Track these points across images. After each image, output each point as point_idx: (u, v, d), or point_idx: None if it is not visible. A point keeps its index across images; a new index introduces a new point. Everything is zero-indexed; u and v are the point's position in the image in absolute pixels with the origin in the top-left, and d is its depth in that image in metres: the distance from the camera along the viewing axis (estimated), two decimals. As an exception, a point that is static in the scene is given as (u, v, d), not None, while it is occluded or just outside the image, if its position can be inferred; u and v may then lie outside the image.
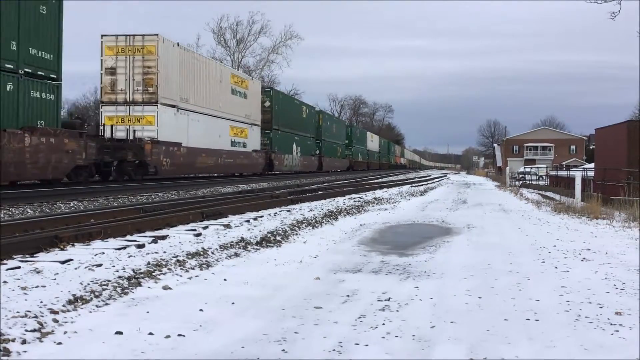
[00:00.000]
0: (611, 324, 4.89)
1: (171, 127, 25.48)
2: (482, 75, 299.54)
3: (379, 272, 7.14)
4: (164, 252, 7.42)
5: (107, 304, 5.21)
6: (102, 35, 24.75)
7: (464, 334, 4.53)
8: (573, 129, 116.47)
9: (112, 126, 23.20)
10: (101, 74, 24.67)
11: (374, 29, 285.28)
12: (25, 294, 5.10)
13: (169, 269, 6.67)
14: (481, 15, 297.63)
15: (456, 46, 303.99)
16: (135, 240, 8.37)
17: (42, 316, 4.56)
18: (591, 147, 74.51)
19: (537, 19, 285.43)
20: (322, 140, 54.37)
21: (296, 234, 10.26)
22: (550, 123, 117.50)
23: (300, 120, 47.30)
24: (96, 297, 5.30)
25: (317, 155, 52.29)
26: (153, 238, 8.57)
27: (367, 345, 4.26)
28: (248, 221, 11.31)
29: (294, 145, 45.11)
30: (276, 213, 13.08)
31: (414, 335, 4.49)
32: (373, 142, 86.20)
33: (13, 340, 4.00)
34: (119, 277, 5.95)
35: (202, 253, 7.61)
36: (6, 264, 6.45)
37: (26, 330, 4.20)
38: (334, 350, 4.13)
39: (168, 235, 9.02)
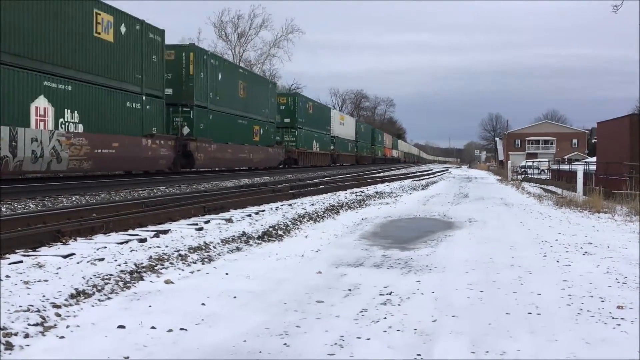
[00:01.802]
0: (613, 318, 4.89)
1: None
2: (485, 69, 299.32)
3: (380, 266, 7.15)
4: (166, 246, 7.43)
5: (109, 298, 5.22)
6: None
7: (465, 328, 4.54)
8: (575, 123, 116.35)
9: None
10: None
11: (377, 24, 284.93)
12: (28, 288, 5.11)
13: (171, 263, 6.68)
14: (484, 10, 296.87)
15: (459, 41, 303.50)
16: (137, 235, 8.38)
17: (45, 310, 4.57)
18: (593, 141, 74.42)
19: (540, 14, 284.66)
20: (195, 108, 25.74)
21: (298, 228, 10.27)
22: (552, 117, 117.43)
23: (92, 46, 18.37)
24: (98, 291, 5.32)
25: (179, 138, 24.44)
26: (155, 232, 8.58)
27: (368, 339, 4.27)
28: (250, 215, 11.31)
29: (43, 100, 16.12)
30: (278, 207, 13.08)
31: (415, 329, 4.49)
32: (344, 125, 61.63)
33: (16, 334, 4.02)
34: (121, 271, 5.96)
35: (204, 247, 7.61)
36: (8, 258, 6.47)
37: (29, 324, 4.21)
38: (335, 344, 4.14)
39: (170, 229, 9.03)
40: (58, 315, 4.55)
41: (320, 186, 21.20)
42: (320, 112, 51.88)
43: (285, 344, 4.13)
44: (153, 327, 4.40)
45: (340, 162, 58.48)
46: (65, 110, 17.08)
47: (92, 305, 4.96)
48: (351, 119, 70.54)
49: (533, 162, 66.84)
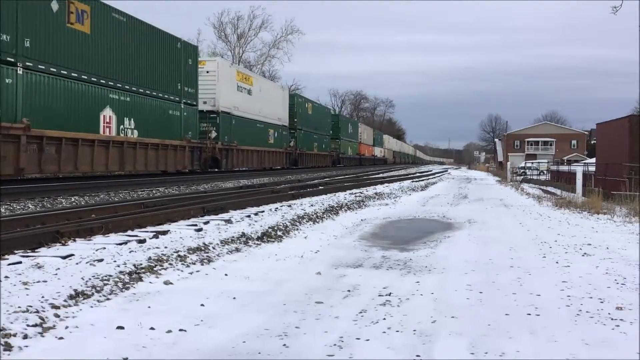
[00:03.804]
0: (612, 319, 4.89)
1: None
2: (485, 69, 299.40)
3: (380, 267, 7.14)
4: (165, 247, 7.42)
5: (108, 299, 5.22)
6: None
7: (465, 329, 4.53)
8: (574, 124, 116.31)
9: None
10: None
11: (377, 24, 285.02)
12: (27, 289, 5.11)
13: (170, 264, 6.68)
14: (485, 11, 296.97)
15: (459, 41, 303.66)
16: (136, 236, 8.38)
17: (44, 311, 4.56)
18: (592, 142, 74.46)
19: (540, 14, 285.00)
20: None
21: (297, 229, 10.26)
22: (552, 118, 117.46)
23: None
24: (97, 292, 5.31)
25: None
26: (154, 233, 8.57)
27: (368, 340, 4.26)
28: (249, 216, 11.31)
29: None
30: (277, 208, 13.08)
31: (415, 330, 4.49)
32: (259, 98, 34.53)
33: (15, 335, 4.01)
34: (120, 272, 5.96)
35: (203, 248, 7.61)
36: (7, 259, 6.46)
37: (28, 325, 4.20)
38: (335, 345, 4.14)
39: (169, 230, 9.02)
40: (57, 316, 4.55)
41: (320, 187, 21.22)
42: (159, 51, 22.77)
43: (284, 344, 4.13)
44: (152, 328, 4.39)
45: (245, 164, 32.29)
46: None
47: (91, 306, 4.96)
48: (280, 91, 40.31)
49: (532, 163, 66.88)
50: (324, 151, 52.14)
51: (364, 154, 72.41)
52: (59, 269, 5.94)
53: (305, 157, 45.29)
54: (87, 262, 6.26)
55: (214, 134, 27.73)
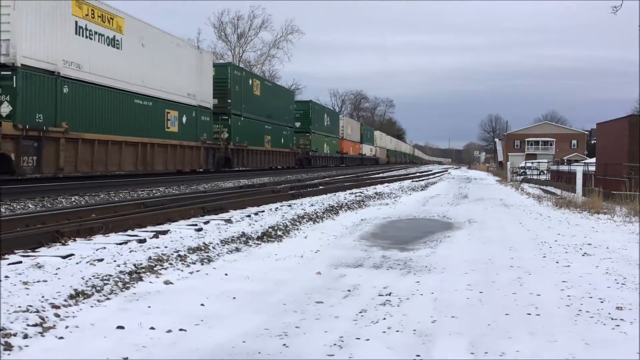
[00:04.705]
0: (612, 319, 4.89)
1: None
2: (485, 69, 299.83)
3: (380, 266, 7.14)
4: (165, 246, 7.42)
5: (108, 299, 5.22)
6: None
7: (464, 329, 4.53)
8: (574, 124, 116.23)
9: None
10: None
11: (378, 25, 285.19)
12: (27, 288, 5.11)
13: (170, 263, 6.68)
14: (485, 11, 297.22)
15: (460, 41, 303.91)
16: (136, 235, 8.38)
17: (44, 311, 4.56)
18: (592, 142, 74.41)
19: (540, 14, 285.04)
20: None
21: (297, 229, 10.26)
22: (552, 118, 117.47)
23: None
24: (97, 291, 5.31)
25: None
26: (154, 233, 8.57)
27: (368, 339, 4.26)
28: (249, 216, 11.31)
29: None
30: (277, 208, 13.08)
31: (414, 330, 4.49)
32: (165, 69, 22.76)
33: (15, 335, 4.01)
34: (121, 271, 5.96)
35: (203, 248, 7.61)
36: (7, 258, 6.46)
37: (28, 325, 4.21)
38: (335, 344, 4.14)
39: (169, 230, 9.02)
40: (57, 315, 4.55)
41: (320, 187, 21.24)
42: None
43: (284, 344, 4.13)
44: (152, 328, 4.39)
45: (97, 165, 18.80)
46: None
47: (91, 306, 4.96)
48: (191, 52, 26.50)
49: (532, 163, 66.90)
50: (284, 147, 39.18)
51: (347, 152, 60.85)
52: (59, 268, 5.94)
53: (246, 155, 31.58)
54: (87, 262, 6.26)
55: (7, 109, 15.23)
